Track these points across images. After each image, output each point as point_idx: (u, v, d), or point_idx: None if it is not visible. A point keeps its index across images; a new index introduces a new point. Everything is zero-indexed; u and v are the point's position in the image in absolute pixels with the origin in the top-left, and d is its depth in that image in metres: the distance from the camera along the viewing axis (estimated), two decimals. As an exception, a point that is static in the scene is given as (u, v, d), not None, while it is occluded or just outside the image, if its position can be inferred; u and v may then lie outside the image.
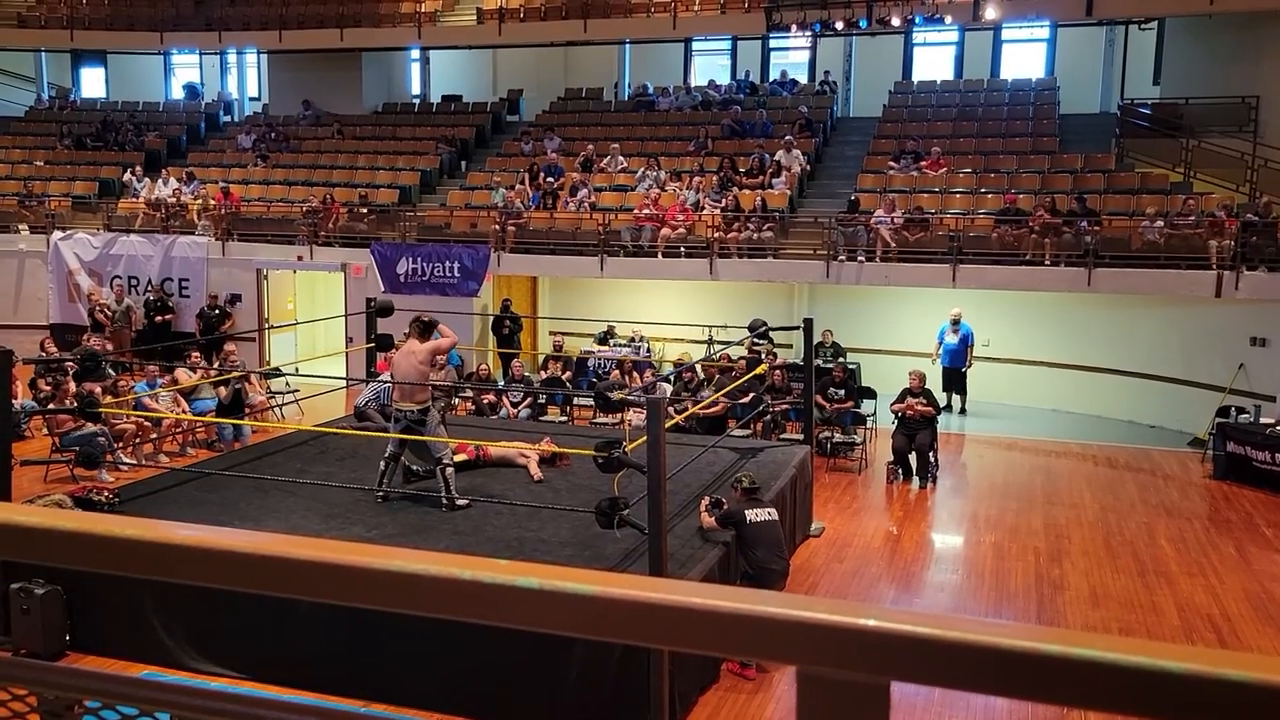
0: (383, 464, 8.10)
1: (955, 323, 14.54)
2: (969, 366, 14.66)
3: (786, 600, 0.66)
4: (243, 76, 24.72)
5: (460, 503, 7.83)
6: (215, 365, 13.51)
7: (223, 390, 12.32)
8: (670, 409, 9.92)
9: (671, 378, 12.91)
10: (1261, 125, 15.43)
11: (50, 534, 0.76)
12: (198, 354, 13.75)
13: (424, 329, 8.16)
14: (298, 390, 13.08)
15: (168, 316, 17.11)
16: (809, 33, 17.46)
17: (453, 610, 0.68)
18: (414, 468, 8.73)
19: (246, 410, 12.48)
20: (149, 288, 17.48)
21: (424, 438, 7.89)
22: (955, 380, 14.70)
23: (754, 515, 7.21)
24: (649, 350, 15.80)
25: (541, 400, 13.47)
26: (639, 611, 0.65)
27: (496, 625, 0.70)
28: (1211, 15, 15.42)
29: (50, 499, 7.69)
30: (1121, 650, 0.62)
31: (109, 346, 15.77)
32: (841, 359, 13.88)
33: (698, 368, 13.29)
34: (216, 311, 16.84)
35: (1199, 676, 0.62)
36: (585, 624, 0.66)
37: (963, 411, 14.77)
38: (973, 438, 13.79)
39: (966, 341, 14.57)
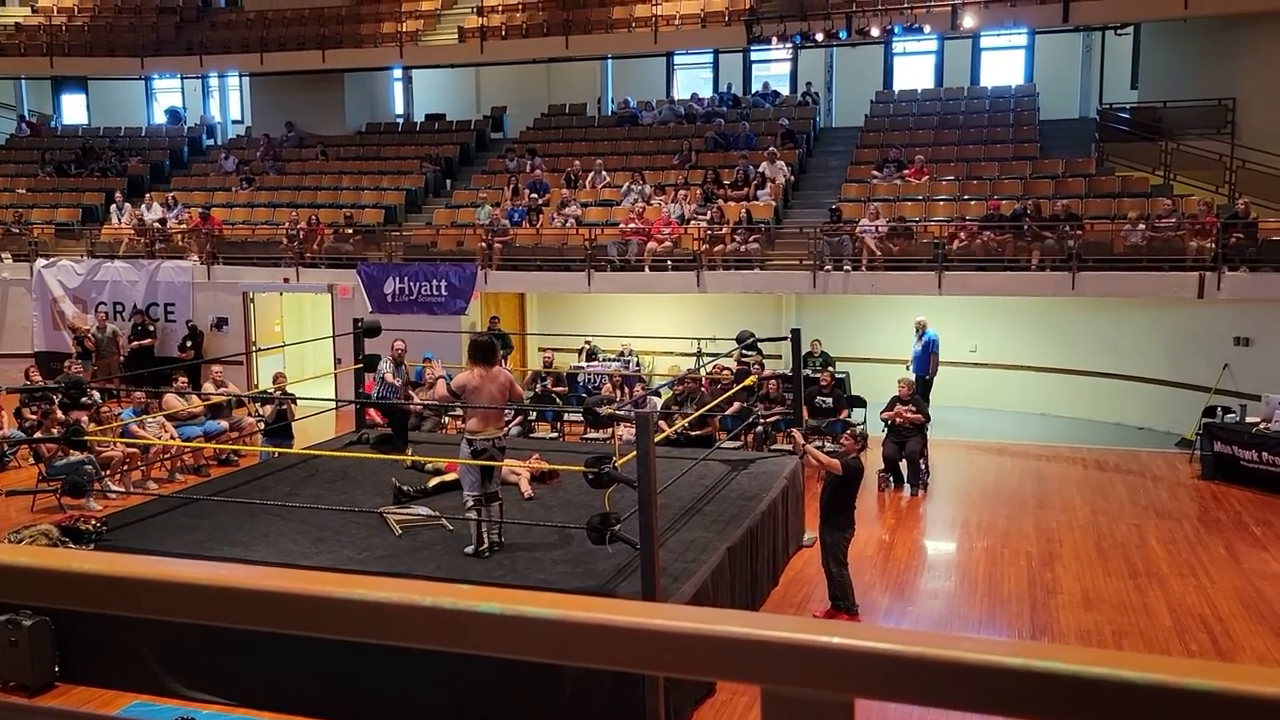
0: (475, 512, 7.20)
1: (920, 331, 13.79)
2: (933, 375, 13.70)
3: (750, 619, 0.66)
4: (225, 100, 24.71)
5: (483, 549, 7.21)
6: (202, 389, 13.43)
7: (267, 408, 12.13)
8: (661, 423, 9.90)
9: (661, 391, 12.90)
10: (1239, 127, 15.57)
11: (11, 572, 0.76)
12: (184, 379, 13.67)
13: (489, 352, 7.57)
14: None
15: (145, 342, 17.03)
16: (789, 45, 17.54)
17: (417, 638, 0.68)
18: (404, 488, 8.70)
19: (291, 422, 11.80)
20: (134, 313, 17.42)
21: (472, 461, 7.38)
22: (920, 389, 13.50)
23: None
24: (638, 364, 15.79)
25: (531, 417, 13.45)
26: (601, 634, 0.65)
27: (463, 652, 0.70)
28: (1187, 19, 15.57)
29: (37, 529, 7.63)
30: (1083, 662, 0.62)
31: (94, 373, 15.70)
32: (830, 368, 13.84)
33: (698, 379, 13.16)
34: (188, 341, 16.86)
35: (1161, 686, 0.62)
36: (548, 649, 0.66)
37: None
38: (962, 443, 13.81)
39: (929, 349, 13.72)
